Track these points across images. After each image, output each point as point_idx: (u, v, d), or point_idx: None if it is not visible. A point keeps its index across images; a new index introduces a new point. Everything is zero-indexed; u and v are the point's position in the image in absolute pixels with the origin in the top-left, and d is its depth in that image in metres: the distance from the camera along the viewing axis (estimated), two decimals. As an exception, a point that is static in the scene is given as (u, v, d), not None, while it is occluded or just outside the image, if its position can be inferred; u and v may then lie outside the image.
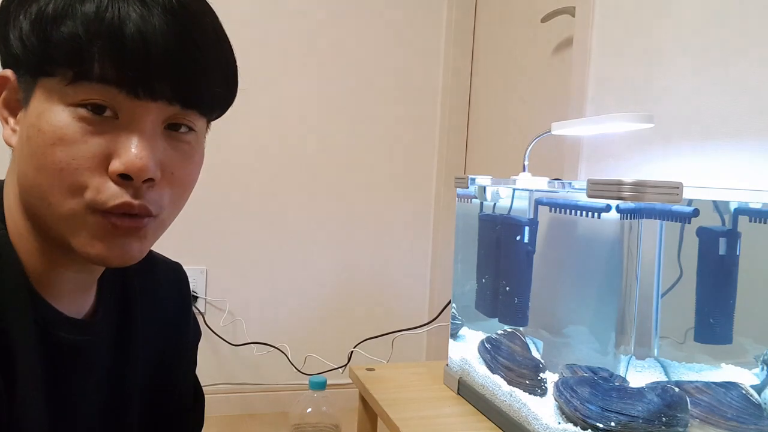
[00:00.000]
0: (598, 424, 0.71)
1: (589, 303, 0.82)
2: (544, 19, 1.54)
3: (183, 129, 0.53)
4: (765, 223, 0.78)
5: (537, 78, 1.69)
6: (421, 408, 0.98)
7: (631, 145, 1.19)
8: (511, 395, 0.87)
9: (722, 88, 1.00)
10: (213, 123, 0.61)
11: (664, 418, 0.70)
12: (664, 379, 0.78)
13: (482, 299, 1.04)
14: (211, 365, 1.94)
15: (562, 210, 0.83)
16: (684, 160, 1.07)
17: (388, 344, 1.95)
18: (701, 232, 0.78)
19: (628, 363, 0.76)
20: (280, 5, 1.94)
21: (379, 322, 2.03)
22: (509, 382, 0.90)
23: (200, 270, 1.93)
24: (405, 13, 2.06)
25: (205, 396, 0.79)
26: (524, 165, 1.11)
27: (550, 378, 0.85)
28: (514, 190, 0.98)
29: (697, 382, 0.75)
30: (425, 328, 1.99)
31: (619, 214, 0.73)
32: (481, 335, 1.03)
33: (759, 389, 0.75)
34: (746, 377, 0.79)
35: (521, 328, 0.94)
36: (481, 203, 1.04)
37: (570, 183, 0.86)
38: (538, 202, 0.90)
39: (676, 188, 0.66)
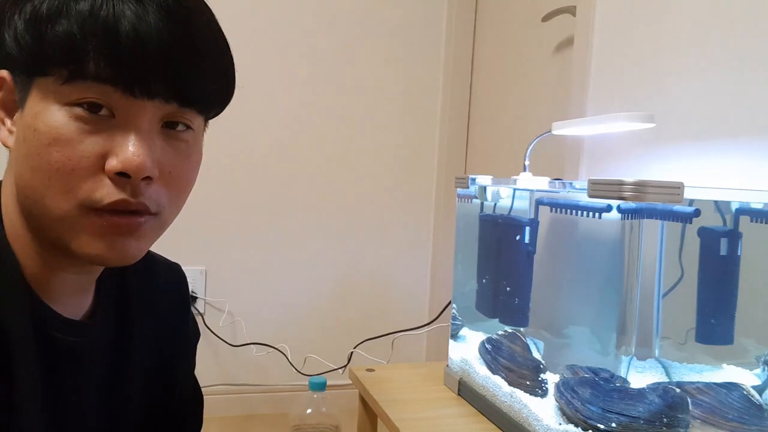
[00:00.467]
0: (599, 425, 0.71)
1: (590, 303, 0.82)
2: (545, 19, 1.54)
3: (180, 127, 0.53)
4: (766, 223, 0.78)
5: (537, 78, 1.68)
6: (421, 409, 0.97)
7: (632, 145, 1.19)
8: (511, 396, 0.87)
9: (723, 88, 1.00)
10: (212, 123, 0.60)
11: (665, 419, 0.69)
12: (665, 379, 0.78)
13: (483, 300, 1.04)
14: (210, 366, 1.94)
15: (563, 210, 0.82)
16: (685, 160, 1.07)
17: (388, 345, 1.95)
18: (702, 232, 0.78)
19: (629, 364, 0.76)
20: (280, 4, 1.94)
21: (379, 322, 2.03)
22: (510, 383, 0.89)
23: (200, 270, 1.92)
24: (405, 13, 2.06)
25: (205, 397, 0.79)
26: (525, 165, 1.11)
27: (551, 379, 0.84)
28: (514, 190, 0.98)
29: (698, 382, 0.75)
30: (425, 329, 1.99)
31: (620, 215, 0.73)
32: (482, 336, 1.03)
33: (760, 390, 0.75)
34: (747, 378, 0.79)
35: (522, 329, 0.94)
36: (482, 203, 1.04)
37: (571, 183, 0.85)
38: (539, 202, 0.89)
39: (677, 188, 0.66)
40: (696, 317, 0.80)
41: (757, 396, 0.72)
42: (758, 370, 0.80)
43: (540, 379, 0.86)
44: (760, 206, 0.78)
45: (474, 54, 2.09)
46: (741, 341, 0.79)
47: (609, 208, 0.73)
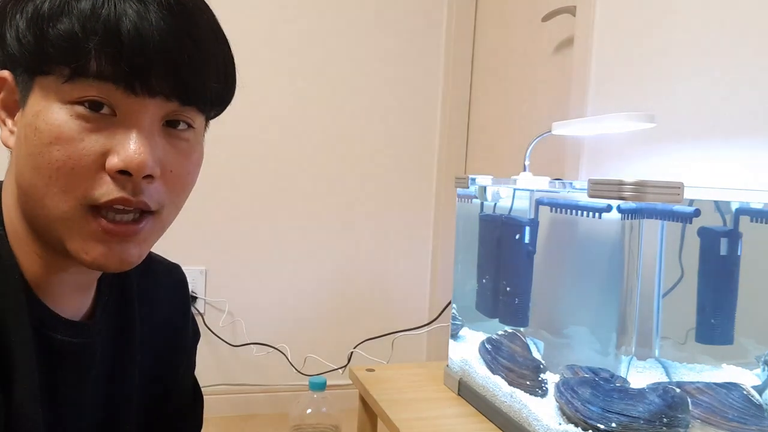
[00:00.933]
0: (599, 425, 0.71)
1: (590, 303, 0.82)
2: (545, 19, 1.54)
3: (181, 126, 0.53)
4: (766, 223, 0.78)
5: (537, 78, 1.68)
6: (421, 409, 0.97)
7: (632, 145, 1.19)
8: (511, 396, 0.87)
9: (723, 88, 1.00)
10: (212, 122, 0.60)
11: (665, 419, 0.69)
12: (666, 379, 0.78)
13: (483, 300, 1.04)
14: (210, 366, 1.94)
15: (563, 210, 0.82)
16: (685, 160, 1.07)
17: (388, 345, 1.95)
18: (702, 232, 0.78)
19: (629, 364, 0.76)
20: (280, 3, 1.94)
21: (379, 322, 2.03)
22: (510, 383, 0.89)
23: (200, 270, 1.92)
24: (405, 13, 2.06)
25: (205, 397, 0.79)
26: (525, 165, 1.11)
27: (551, 379, 0.84)
28: (514, 190, 0.98)
29: (698, 382, 0.75)
30: (425, 329, 1.99)
31: (620, 214, 0.73)
32: (482, 336, 1.03)
33: (760, 390, 0.75)
34: (747, 378, 0.79)
35: (522, 329, 0.94)
36: (482, 203, 1.04)
37: (571, 183, 0.85)
38: (539, 202, 0.89)
39: (677, 188, 0.66)
40: (696, 317, 0.80)
41: (757, 396, 0.72)
42: (758, 370, 0.80)
43: (540, 379, 0.86)
44: (760, 206, 0.78)
45: (474, 54, 2.09)
46: (741, 341, 0.79)
47: (609, 208, 0.73)
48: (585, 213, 0.77)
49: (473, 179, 1.03)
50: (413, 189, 2.12)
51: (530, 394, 0.85)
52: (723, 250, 0.78)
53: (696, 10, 1.06)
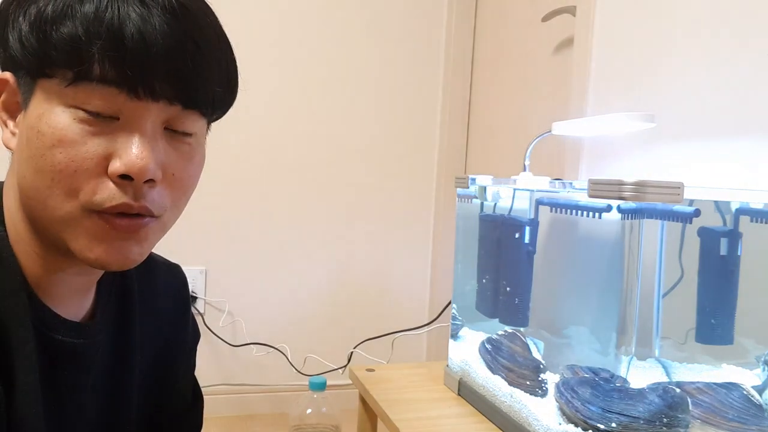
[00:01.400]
0: (599, 425, 0.71)
1: (590, 303, 0.82)
2: (545, 19, 1.54)
3: (183, 130, 0.53)
4: (766, 223, 0.78)
5: (537, 78, 1.68)
6: (421, 409, 0.97)
7: (632, 145, 1.19)
8: (511, 396, 0.87)
9: (723, 88, 1.00)
10: (212, 123, 0.60)
11: (665, 419, 0.69)
12: (666, 379, 0.78)
13: (483, 300, 1.04)
14: (210, 366, 1.94)
15: (563, 210, 0.82)
16: (685, 160, 1.07)
17: (388, 345, 1.95)
18: (702, 232, 0.78)
19: (629, 363, 0.75)
20: (278, 4, 1.94)
21: (379, 322, 2.03)
22: (510, 383, 0.89)
23: (200, 270, 1.92)
24: (405, 13, 2.06)
25: (205, 397, 0.79)
26: (525, 165, 1.11)
27: (551, 379, 0.84)
28: (514, 190, 0.98)
29: (698, 382, 0.75)
30: (425, 329, 1.99)
31: (620, 215, 0.73)
32: (482, 336, 1.03)
33: (760, 390, 0.75)
34: (747, 378, 0.79)
35: (522, 329, 0.94)
36: (482, 203, 1.04)
37: (571, 183, 0.85)
38: (539, 202, 0.89)
39: (677, 188, 0.66)
40: (696, 317, 0.80)
41: (757, 396, 0.72)
42: (758, 370, 0.80)
43: (540, 379, 0.86)
44: (760, 206, 0.78)
45: (474, 54, 2.09)
46: (741, 341, 0.79)
47: (609, 208, 0.73)
48: (585, 213, 0.77)
49: (473, 179, 1.03)
50: (413, 189, 2.12)
51: (530, 394, 0.85)
52: (723, 250, 0.78)
53: (696, 10, 1.06)
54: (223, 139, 1.85)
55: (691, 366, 0.81)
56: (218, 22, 0.54)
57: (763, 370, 0.79)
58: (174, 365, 0.72)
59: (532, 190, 0.93)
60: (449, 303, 1.22)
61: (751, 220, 0.78)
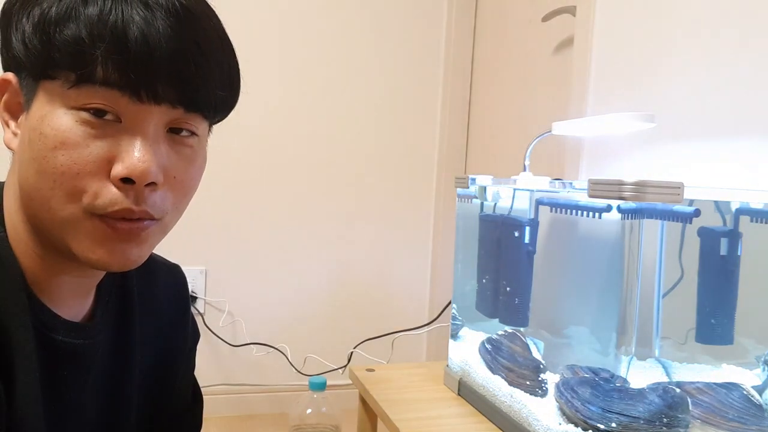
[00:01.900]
0: (599, 425, 0.71)
1: (590, 303, 0.82)
2: (545, 19, 1.54)
3: (185, 132, 0.53)
4: (766, 223, 0.78)
5: (537, 78, 1.68)
6: (421, 409, 0.97)
7: (632, 145, 1.19)
8: (511, 396, 0.87)
9: (723, 88, 1.00)
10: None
11: (665, 419, 0.69)
12: (666, 379, 0.78)
13: (483, 300, 1.04)
14: (210, 366, 1.94)
15: (563, 210, 0.82)
16: (685, 160, 1.07)
17: (388, 345, 1.95)
18: (702, 232, 0.78)
19: (629, 363, 0.75)
20: (278, 5, 1.94)
21: (379, 322, 2.03)
22: (510, 383, 0.89)
23: (200, 270, 1.92)
24: (405, 13, 2.06)
25: (205, 397, 0.79)
26: (525, 165, 1.10)
27: (551, 379, 0.84)
28: (514, 190, 0.98)
29: (698, 382, 0.75)
30: (425, 329, 1.99)
31: (620, 214, 0.73)
32: (482, 336, 1.03)
33: (760, 390, 0.75)
34: (747, 378, 0.79)
35: (522, 329, 0.94)
36: (482, 203, 1.04)
37: (571, 183, 0.85)
38: (539, 202, 0.89)
39: (677, 188, 0.66)
40: (696, 317, 0.80)
41: (757, 396, 0.72)
42: (758, 370, 0.80)
43: (540, 379, 0.86)
44: (760, 206, 0.78)
45: (474, 54, 2.09)
46: (741, 341, 0.79)
47: (609, 208, 0.73)
48: (585, 213, 0.77)
49: (473, 179, 1.03)
50: (413, 189, 2.12)
51: (530, 394, 0.85)
52: (723, 250, 0.77)
53: (696, 10, 1.06)
54: (222, 139, 1.85)
55: (691, 366, 0.81)
56: (221, 24, 0.54)
57: (763, 370, 0.79)
58: (174, 365, 0.72)
59: (532, 190, 0.93)
60: (449, 303, 1.22)
61: (751, 220, 0.78)
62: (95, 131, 0.48)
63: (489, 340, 0.99)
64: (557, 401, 0.79)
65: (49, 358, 0.54)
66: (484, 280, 1.03)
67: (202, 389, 0.79)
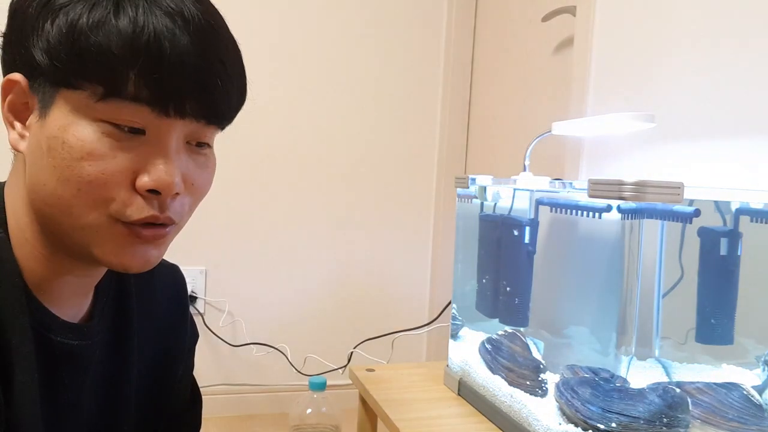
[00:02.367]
0: (599, 425, 0.71)
1: (590, 303, 0.82)
2: (545, 19, 1.54)
3: (203, 142, 0.54)
4: (766, 223, 0.78)
5: (537, 78, 1.68)
6: (421, 409, 0.97)
7: (632, 145, 1.19)
8: (511, 396, 0.87)
9: (724, 88, 1.00)
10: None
11: (665, 419, 0.69)
12: (666, 379, 0.78)
13: (483, 300, 1.04)
14: (210, 366, 1.94)
15: (563, 210, 0.82)
16: (685, 160, 1.07)
17: (388, 345, 1.95)
18: (702, 232, 0.78)
19: (629, 363, 0.75)
20: (279, 5, 1.93)
21: (379, 322, 2.03)
22: (510, 383, 0.89)
23: (200, 270, 1.92)
24: (405, 12, 2.06)
25: (204, 397, 0.79)
26: (525, 165, 1.10)
27: (551, 379, 0.84)
28: (514, 190, 0.98)
29: (698, 382, 0.75)
30: (425, 329, 1.99)
31: (620, 215, 0.73)
32: (482, 336, 1.03)
33: (760, 390, 0.75)
34: (747, 378, 0.79)
35: (522, 329, 0.94)
36: (482, 203, 1.04)
37: (571, 183, 0.85)
38: (539, 202, 0.89)
39: (677, 188, 0.66)
40: (696, 317, 0.80)
41: (757, 396, 0.72)
42: (758, 370, 0.80)
43: (540, 379, 0.86)
44: (760, 206, 0.78)
45: (474, 54, 2.09)
46: (741, 341, 0.79)
47: (609, 208, 0.73)
48: (585, 213, 0.77)
49: (473, 179, 1.03)
50: (413, 189, 2.12)
51: (530, 394, 0.85)
52: (723, 250, 0.77)
53: (696, 10, 1.06)
54: (222, 139, 1.85)
55: (691, 366, 0.81)
56: (231, 33, 0.55)
57: (763, 370, 0.79)
58: (173, 365, 0.72)
59: (532, 190, 0.93)
60: (449, 303, 1.22)
61: (751, 220, 0.78)
62: (120, 143, 0.48)
63: (489, 340, 0.99)
64: (557, 401, 0.79)
65: (47, 358, 0.54)
66: (484, 280, 1.03)
67: (202, 389, 0.79)
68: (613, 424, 0.70)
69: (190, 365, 0.77)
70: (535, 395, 0.85)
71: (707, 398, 0.72)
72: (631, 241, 0.73)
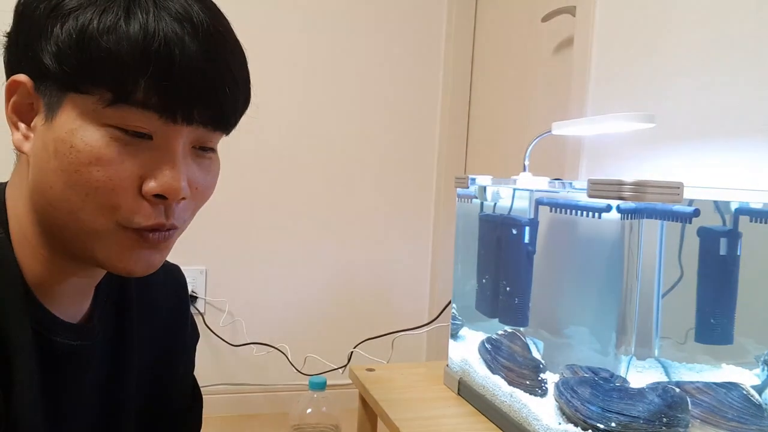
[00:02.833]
0: (598, 425, 0.71)
1: (590, 303, 0.82)
2: (545, 19, 1.54)
3: (208, 147, 0.55)
4: (766, 223, 0.78)
5: (537, 78, 1.68)
6: (421, 408, 0.97)
7: (632, 145, 1.19)
8: (511, 396, 0.87)
9: (723, 88, 1.00)
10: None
11: (664, 419, 0.69)
12: (665, 379, 0.78)
13: (482, 299, 1.04)
14: (210, 366, 1.94)
15: (563, 210, 0.82)
16: (685, 160, 1.07)
17: (388, 344, 1.95)
18: (702, 232, 0.78)
19: (629, 363, 0.76)
20: (279, 5, 1.94)
21: (379, 322, 2.03)
22: (510, 383, 0.89)
23: (200, 270, 1.92)
24: (405, 13, 2.06)
25: (205, 396, 0.79)
26: (525, 165, 1.11)
27: (551, 378, 0.84)
28: (514, 190, 0.98)
29: (697, 382, 0.75)
30: (425, 329, 1.99)
31: (619, 214, 0.73)
32: (482, 336, 1.03)
33: (760, 389, 0.75)
34: (747, 378, 0.79)
35: (521, 329, 0.94)
36: (482, 203, 1.04)
37: (570, 183, 0.85)
38: (539, 202, 0.89)
39: (676, 188, 0.66)
40: (696, 317, 0.80)
41: (756, 396, 0.72)
42: (758, 370, 0.80)
43: (540, 378, 0.86)
44: (760, 206, 0.78)
45: (474, 54, 2.09)
46: (740, 341, 0.79)
47: (609, 208, 0.73)
48: (585, 213, 0.77)
49: (473, 179, 1.03)
50: (413, 189, 2.12)
51: (530, 393, 0.85)
52: (723, 250, 0.78)
53: (696, 10, 1.06)
54: (222, 140, 1.85)
55: (690, 366, 0.81)
56: (237, 37, 0.55)
57: (763, 370, 0.79)
58: (173, 365, 0.73)
59: (532, 190, 0.93)
60: (449, 303, 1.22)
61: (751, 220, 0.78)
62: (128, 148, 0.48)
63: (489, 340, 1.00)
64: (557, 401, 0.79)
65: (47, 359, 0.54)
66: (484, 280, 1.03)
67: (202, 389, 0.79)
68: (613, 424, 0.70)
69: (191, 365, 0.77)
70: (535, 395, 0.85)
71: (707, 398, 0.72)
72: (630, 241, 0.73)
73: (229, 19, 0.57)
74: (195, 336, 0.77)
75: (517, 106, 1.79)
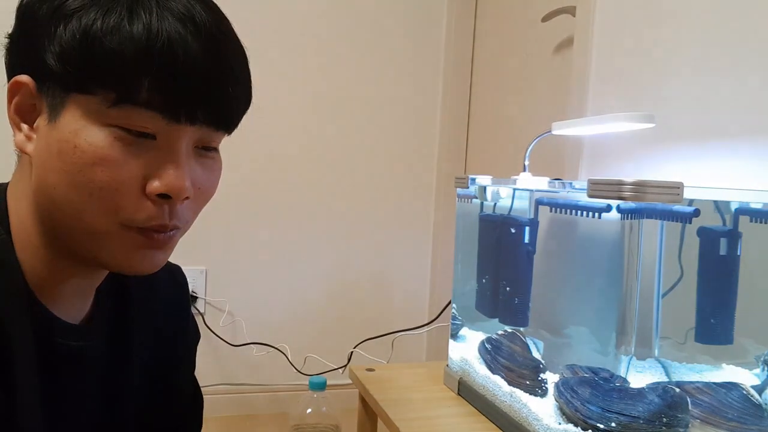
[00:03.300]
0: (598, 425, 0.71)
1: (590, 303, 0.82)
2: (545, 19, 1.54)
3: (210, 146, 0.55)
4: (766, 223, 0.78)
5: (537, 78, 1.68)
6: (421, 408, 0.97)
7: (632, 145, 1.19)
8: (511, 396, 0.87)
9: (723, 88, 1.00)
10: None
11: (664, 419, 0.69)
12: (665, 379, 0.78)
13: (482, 299, 1.04)
14: (210, 366, 1.94)
15: (563, 210, 0.82)
16: (685, 160, 1.07)
17: (388, 345, 1.95)
18: (702, 232, 0.78)
19: (629, 363, 0.76)
20: (279, 6, 1.94)
21: (379, 322, 2.03)
22: (510, 383, 0.89)
23: (200, 270, 1.92)
24: (405, 13, 2.06)
25: (205, 397, 0.79)
26: (525, 165, 1.11)
27: (551, 378, 0.84)
28: (514, 190, 0.98)
29: (697, 382, 0.75)
30: (425, 329, 1.99)
31: (619, 214, 0.73)
32: (482, 336, 1.03)
33: (760, 390, 0.75)
34: (747, 378, 0.79)
35: (521, 329, 0.94)
36: (482, 203, 1.04)
37: (570, 183, 0.85)
38: (539, 202, 0.89)
39: (676, 188, 0.66)
40: (696, 317, 0.80)
41: (756, 396, 0.72)
42: (757, 370, 0.80)
43: (540, 378, 0.86)
44: (759, 206, 0.78)
45: (474, 54, 2.09)
46: (740, 341, 0.79)
47: (609, 208, 0.73)
48: (585, 213, 0.77)
49: (473, 179, 1.03)
50: (413, 189, 2.12)
51: (530, 393, 0.85)
52: (723, 250, 0.78)
53: (696, 10, 1.06)
54: (223, 141, 1.85)
55: (690, 366, 0.81)
56: (238, 37, 0.55)
57: (763, 370, 0.79)
58: (174, 365, 0.73)
59: (532, 190, 0.93)
60: (449, 303, 1.22)
61: (751, 220, 0.78)
62: (131, 148, 0.49)
63: (489, 340, 1.00)
64: (557, 401, 0.79)
65: (48, 360, 0.54)
66: (483, 280, 1.03)
67: (202, 389, 0.79)
68: (613, 424, 0.70)
69: (191, 365, 0.77)
70: (535, 395, 0.85)
71: (707, 398, 0.72)
72: (630, 241, 0.73)
73: (229, 19, 0.57)
74: (196, 336, 0.77)
75: (517, 107, 1.79)
